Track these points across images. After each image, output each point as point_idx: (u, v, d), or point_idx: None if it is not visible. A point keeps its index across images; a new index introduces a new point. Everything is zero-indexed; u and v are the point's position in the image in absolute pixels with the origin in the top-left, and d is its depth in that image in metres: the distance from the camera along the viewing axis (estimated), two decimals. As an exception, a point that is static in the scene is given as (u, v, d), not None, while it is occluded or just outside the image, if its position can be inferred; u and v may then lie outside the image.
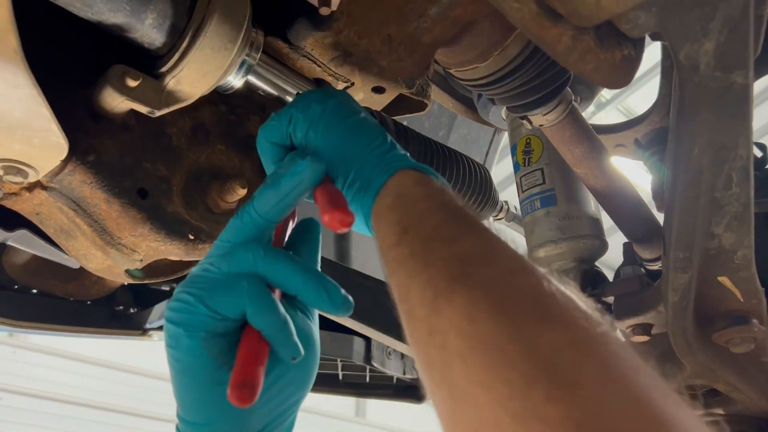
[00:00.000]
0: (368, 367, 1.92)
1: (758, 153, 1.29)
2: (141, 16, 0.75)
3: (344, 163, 0.67)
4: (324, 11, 0.82)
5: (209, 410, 0.62)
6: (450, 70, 0.90)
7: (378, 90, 0.99)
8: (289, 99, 0.94)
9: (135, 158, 0.86)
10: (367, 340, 1.83)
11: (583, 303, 0.46)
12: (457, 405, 0.43)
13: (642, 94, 7.40)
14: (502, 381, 0.40)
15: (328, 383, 2.16)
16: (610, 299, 1.18)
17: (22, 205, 0.87)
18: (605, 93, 7.48)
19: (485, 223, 0.57)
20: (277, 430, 0.66)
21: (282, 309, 0.62)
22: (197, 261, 1.07)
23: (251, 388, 0.55)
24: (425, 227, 0.56)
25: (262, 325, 0.61)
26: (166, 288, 1.74)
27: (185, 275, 1.10)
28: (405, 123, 1.09)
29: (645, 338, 1.09)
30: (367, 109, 0.95)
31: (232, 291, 0.62)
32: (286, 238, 0.75)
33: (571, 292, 0.47)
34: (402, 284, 0.54)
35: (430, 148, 1.09)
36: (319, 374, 0.68)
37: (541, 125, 1.09)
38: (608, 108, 7.97)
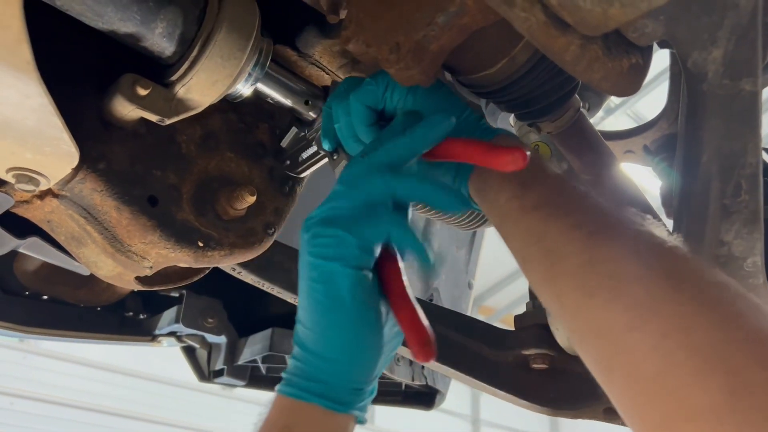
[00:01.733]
0: (376, 373, 1.91)
1: (768, 159, 1.28)
2: (151, 25, 0.75)
3: None
4: (332, 19, 0.83)
5: (352, 347, 0.65)
6: (458, 78, 0.90)
7: (386, 97, 0.99)
8: (298, 107, 0.94)
9: (145, 166, 0.87)
10: (376, 346, 1.83)
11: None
12: (649, 311, 0.50)
13: (651, 100, 7.35)
14: (689, 297, 0.50)
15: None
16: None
17: (33, 213, 0.88)
18: (614, 99, 7.46)
19: None
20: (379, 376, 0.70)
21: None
22: (206, 268, 1.08)
23: (433, 345, 0.62)
24: (547, 185, 0.65)
25: (406, 243, 0.68)
26: (175, 294, 1.74)
27: (194, 281, 1.11)
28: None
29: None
30: None
31: (375, 219, 0.66)
32: None
33: None
34: (533, 228, 0.62)
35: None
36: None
37: (549, 132, 1.09)
38: (617, 113, 7.94)
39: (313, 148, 0.96)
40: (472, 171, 0.73)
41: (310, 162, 0.98)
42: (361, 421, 0.67)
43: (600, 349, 0.54)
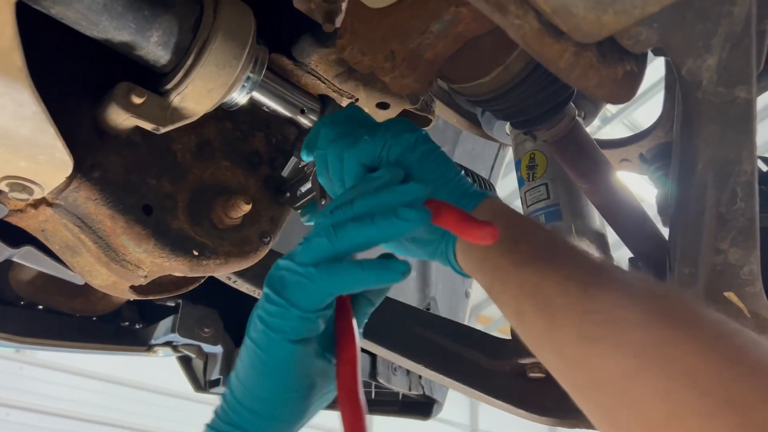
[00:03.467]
0: (374, 383, 1.90)
1: (763, 167, 1.28)
2: (146, 34, 0.75)
3: (434, 191, 0.73)
4: (328, 28, 0.83)
5: (276, 409, 0.68)
6: (453, 86, 0.91)
7: (382, 106, 1.00)
8: (294, 116, 0.94)
9: (140, 175, 0.87)
10: (373, 356, 1.82)
11: None
12: (652, 356, 0.51)
13: (648, 109, 7.38)
14: (690, 337, 0.50)
15: (333, 400, 2.14)
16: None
17: (27, 222, 0.88)
18: (610, 107, 7.47)
19: None
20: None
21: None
22: (202, 277, 1.07)
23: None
24: (536, 239, 0.66)
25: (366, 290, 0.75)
26: (171, 304, 1.74)
27: (190, 290, 1.10)
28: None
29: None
30: None
31: (330, 277, 0.66)
32: None
33: None
34: (527, 282, 0.63)
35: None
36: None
37: (545, 140, 1.09)
38: (614, 122, 7.97)
39: (309, 184, 0.96)
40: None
41: (307, 198, 0.98)
42: None
43: (606, 399, 0.54)
